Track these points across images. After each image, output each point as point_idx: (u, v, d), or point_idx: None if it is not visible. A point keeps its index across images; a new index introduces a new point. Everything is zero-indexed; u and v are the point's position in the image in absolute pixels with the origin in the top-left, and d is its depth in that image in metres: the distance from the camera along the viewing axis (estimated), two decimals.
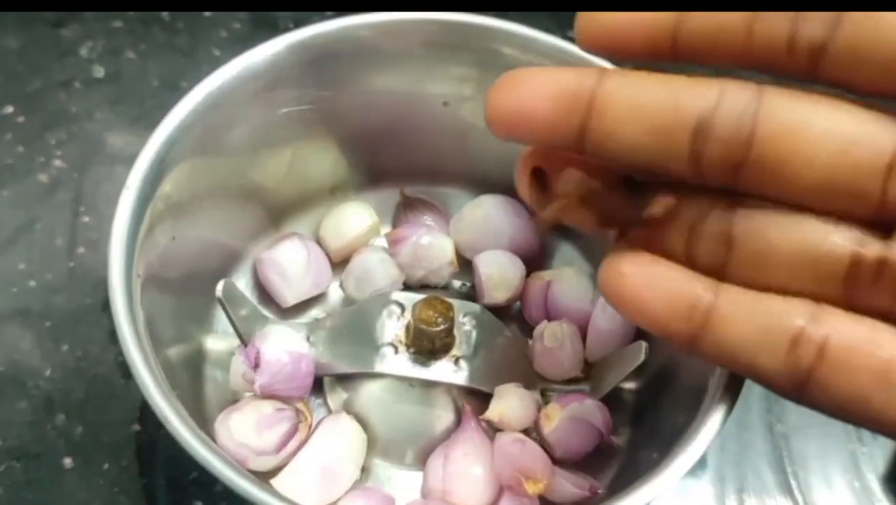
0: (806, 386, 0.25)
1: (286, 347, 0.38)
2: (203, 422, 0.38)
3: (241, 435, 0.36)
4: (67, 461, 0.42)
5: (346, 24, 0.39)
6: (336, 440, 0.38)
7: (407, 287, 0.43)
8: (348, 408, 0.40)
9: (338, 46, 0.40)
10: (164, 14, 0.59)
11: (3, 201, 0.49)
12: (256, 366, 0.37)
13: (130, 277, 0.32)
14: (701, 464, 0.44)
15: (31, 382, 0.44)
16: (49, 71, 0.55)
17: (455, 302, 0.40)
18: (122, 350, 0.31)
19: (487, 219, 0.44)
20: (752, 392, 0.46)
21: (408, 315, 0.40)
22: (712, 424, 0.33)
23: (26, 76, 0.55)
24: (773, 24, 0.24)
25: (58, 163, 0.51)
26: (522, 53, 0.40)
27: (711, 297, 0.25)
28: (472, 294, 0.44)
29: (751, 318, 0.25)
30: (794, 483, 0.44)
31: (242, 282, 0.43)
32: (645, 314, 0.26)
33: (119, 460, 0.42)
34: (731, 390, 0.33)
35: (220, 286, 0.37)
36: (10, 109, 0.53)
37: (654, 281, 0.25)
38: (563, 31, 0.40)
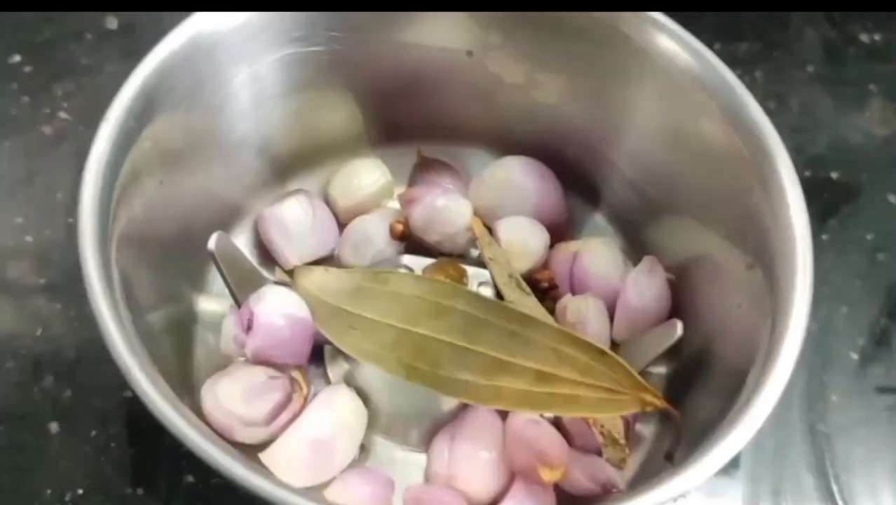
0: None
1: (283, 309, 0.36)
2: (190, 388, 0.36)
3: (229, 403, 0.34)
4: (53, 426, 0.40)
5: None
6: (333, 414, 0.36)
7: (420, 250, 0.40)
8: (349, 380, 0.38)
9: None
10: None
11: (3, 152, 0.48)
12: (249, 328, 0.35)
13: (106, 217, 0.30)
14: (733, 462, 0.41)
15: (20, 342, 0.42)
16: (60, 21, 0.53)
17: (469, 269, 0.37)
18: (89, 298, 0.29)
19: (510, 182, 0.41)
20: (794, 388, 0.43)
21: None
22: (750, 421, 0.30)
23: (36, 25, 0.53)
24: None
25: (63, 115, 0.49)
26: None
27: None
28: None
29: None
30: (835, 487, 0.41)
31: (242, 239, 0.41)
32: None
33: (107, 427, 0.40)
34: (774, 385, 0.31)
35: (212, 239, 0.35)
36: (17, 59, 0.51)
37: None
38: None
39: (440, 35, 0.40)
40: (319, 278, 0.36)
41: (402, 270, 0.38)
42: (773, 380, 0.30)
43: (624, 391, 0.30)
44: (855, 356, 0.45)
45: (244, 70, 0.37)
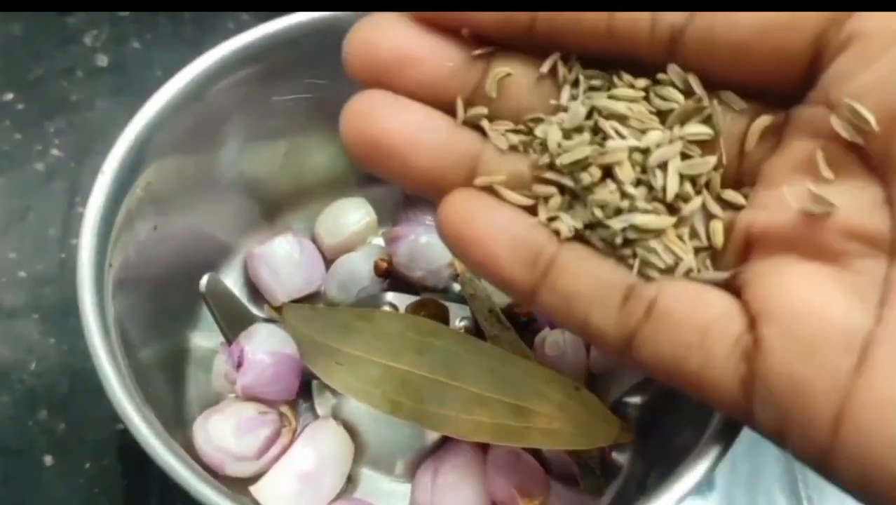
0: (632, 343, 0.25)
1: (272, 346, 0.37)
2: (182, 423, 0.36)
3: (220, 438, 0.35)
4: (48, 459, 0.41)
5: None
6: (320, 447, 0.37)
7: (404, 287, 0.41)
8: (337, 414, 0.39)
9: (336, 32, 0.38)
10: None
11: None
12: (239, 365, 0.36)
13: (102, 267, 0.31)
14: (709, 485, 0.42)
15: (14, 376, 0.43)
16: (52, 58, 0.54)
17: (452, 305, 0.38)
18: (86, 341, 0.30)
19: None
20: None
21: None
22: (717, 445, 0.31)
23: (28, 63, 0.54)
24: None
25: (55, 151, 0.50)
26: None
27: (554, 247, 0.25)
28: None
29: (589, 271, 0.25)
30: None
31: (232, 278, 0.42)
32: (489, 258, 0.25)
33: (101, 459, 0.41)
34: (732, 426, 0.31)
35: (203, 280, 0.36)
36: (9, 96, 0.52)
37: (501, 224, 0.25)
38: None
39: None
40: (307, 316, 0.37)
41: (386, 307, 0.39)
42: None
43: (598, 425, 0.32)
44: None
45: (233, 119, 0.38)
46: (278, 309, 0.39)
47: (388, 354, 0.34)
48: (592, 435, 0.32)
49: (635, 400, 0.40)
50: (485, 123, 0.26)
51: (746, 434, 0.41)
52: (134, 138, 0.33)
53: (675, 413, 0.37)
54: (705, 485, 0.42)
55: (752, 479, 0.42)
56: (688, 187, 0.24)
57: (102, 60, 0.54)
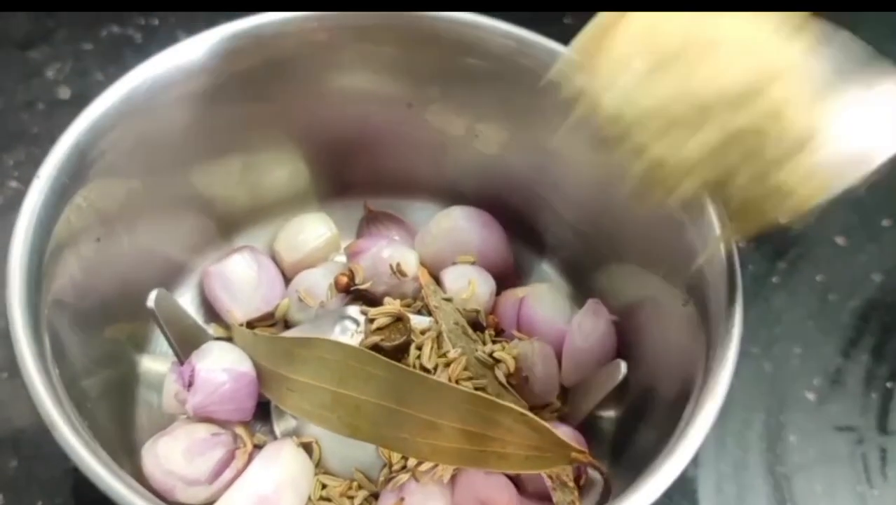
0: None
1: (225, 364, 0.35)
2: (131, 450, 0.35)
3: (170, 462, 0.33)
4: None
5: (296, 15, 0.37)
6: (277, 469, 0.35)
7: (367, 303, 0.39)
8: (298, 435, 0.37)
9: (284, 38, 0.38)
10: (137, 36, 0.57)
11: None
12: (190, 384, 0.34)
13: (38, 276, 0.29)
14: None
15: None
16: (13, 92, 0.53)
17: (414, 317, 0.37)
18: (16, 357, 0.28)
19: (455, 231, 0.41)
20: (752, 429, 0.43)
21: (363, 332, 0.37)
22: (679, 456, 0.30)
23: None
24: None
25: (14, 184, 0.49)
26: (490, 41, 0.38)
27: None
28: None
29: None
30: None
31: (187, 297, 0.41)
32: None
33: (53, 498, 0.39)
34: (706, 413, 0.30)
35: (152, 296, 0.34)
36: None
37: None
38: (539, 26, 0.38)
39: (378, 86, 0.40)
40: (251, 341, 0.36)
41: (347, 322, 0.37)
42: (706, 407, 0.30)
43: (549, 449, 0.30)
44: (811, 396, 0.44)
45: (183, 131, 0.37)
46: (227, 328, 0.38)
47: (335, 380, 0.33)
48: (545, 459, 0.30)
49: (610, 414, 0.39)
50: None
51: (732, 455, 0.40)
52: (73, 143, 0.32)
53: (650, 424, 0.36)
54: None
55: (739, 499, 0.41)
56: None
57: (65, 93, 0.54)
